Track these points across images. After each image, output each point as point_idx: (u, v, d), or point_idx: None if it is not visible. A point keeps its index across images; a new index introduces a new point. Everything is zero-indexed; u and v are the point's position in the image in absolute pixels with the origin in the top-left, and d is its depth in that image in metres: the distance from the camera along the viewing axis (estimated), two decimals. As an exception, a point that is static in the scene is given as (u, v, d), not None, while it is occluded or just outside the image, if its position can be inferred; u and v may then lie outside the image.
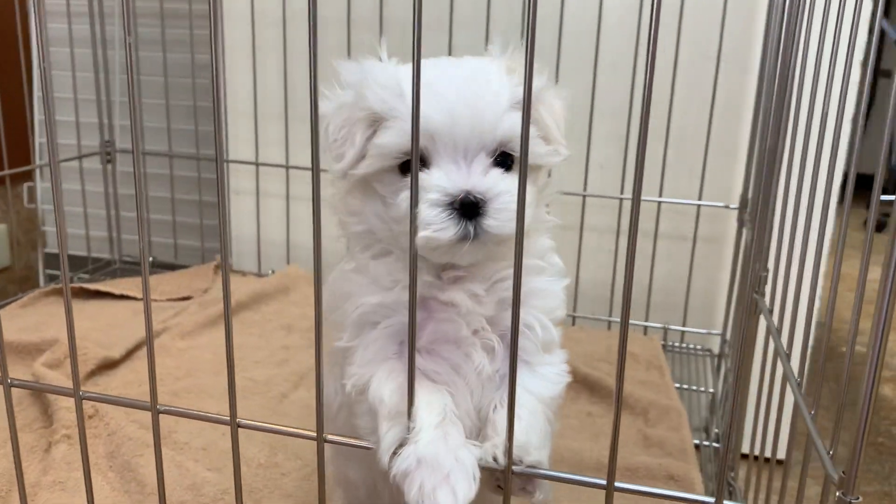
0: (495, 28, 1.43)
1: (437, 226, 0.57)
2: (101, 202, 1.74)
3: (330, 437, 0.55)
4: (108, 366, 1.20)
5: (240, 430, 1.05)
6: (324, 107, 0.64)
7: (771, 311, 0.85)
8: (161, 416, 1.06)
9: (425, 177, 0.58)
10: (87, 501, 0.66)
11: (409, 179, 0.56)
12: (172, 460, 0.93)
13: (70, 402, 1.02)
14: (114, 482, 0.93)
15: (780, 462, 1.02)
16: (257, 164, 1.61)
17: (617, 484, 0.53)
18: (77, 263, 1.68)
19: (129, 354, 1.25)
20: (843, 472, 0.49)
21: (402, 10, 1.48)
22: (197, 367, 1.22)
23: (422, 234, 0.57)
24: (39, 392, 1.08)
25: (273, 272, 1.64)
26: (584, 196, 1.44)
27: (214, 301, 1.46)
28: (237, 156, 1.63)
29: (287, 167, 1.59)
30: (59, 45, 1.70)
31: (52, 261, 1.88)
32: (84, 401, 1.02)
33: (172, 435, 1.04)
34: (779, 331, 0.78)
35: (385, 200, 0.62)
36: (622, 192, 1.42)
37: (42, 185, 1.86)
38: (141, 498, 0.89)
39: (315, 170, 0.52)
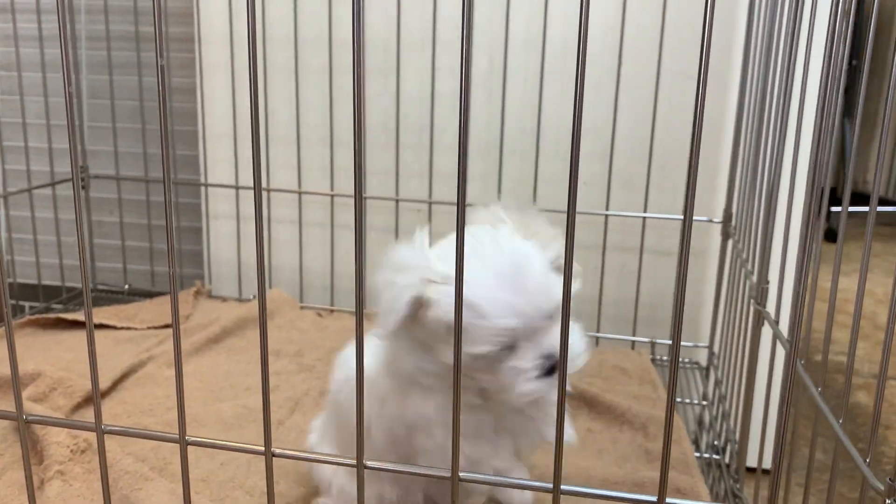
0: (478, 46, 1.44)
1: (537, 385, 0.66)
2: (73, 230, 1.70)
3: (370, 463, 0.54)
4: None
5: (239, 458, 1.02)
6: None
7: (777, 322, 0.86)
8: (156, 447, 1.03)
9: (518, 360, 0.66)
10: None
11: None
12: (173, 493, 0.90)
13: (61, 437, 0.99)
14: (112, 518, 0.89)
15: (765, 471, 1.04)
16: (237, 188, 1.59)
17: (669, 500, 0.53)
18: (50, 293, 1.63)
19: (115, 385, 1.21)
20: (890, 480, 0.49)
21: (385, 31, 1.48)
22: (186, 396, 1.18)
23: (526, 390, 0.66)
24: (27, 427, 1.03)
25: (255, 297, 1.61)
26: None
27: (198, 328, 1.43)
28: (215, 179, 1.61)
29: (269, 190, 1.57)
30: (30, 70, 1.66)
31: (18, 292, 1.82)
32: (77, 434, 0.99)
33: (169, 467, 1.01)
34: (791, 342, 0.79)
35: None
36: (608, 209, 1.44)
37: (7, 213, 1.81)
38: (143, 534, 0.86)
39: (358, 195, 0.51)
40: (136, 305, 1.54)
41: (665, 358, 1.46)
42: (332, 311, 1.59)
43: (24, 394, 1.09)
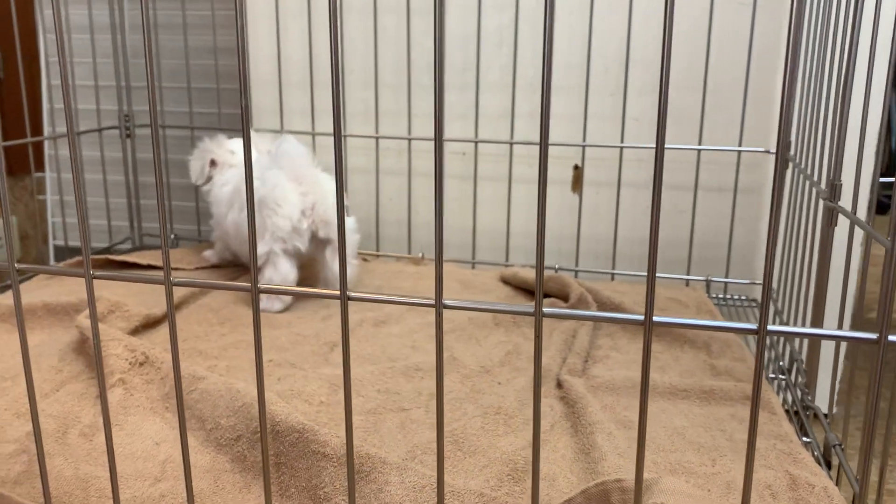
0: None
1: None
2: (119, 191, 1.71)
3: (448, 302, 0.52)
4: (150, 324, 1.16)
5: (296, 373, 1.01)
6: None
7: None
8: (213, 364, 1.02)
9: None
10: (179, 411, 0.61)
11: None
12: (224, 384, 0.89)
13: (119, 350, 0.98)
14: (172, 422, 0.88)
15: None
16: (282, 132, 1.58)
17: (771, 327, 0.50)
18: (95, 251, 1.64)
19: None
20: None
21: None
22: (239, 324, 1.18)
23: None
24: (84, 345, 1.03)
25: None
26: (622, 148, 1.43)
27: (245, 266, 1.43)
28: (260, 126, 1.61)
29: (313, 134, 1.56)
30: (78, 33, 1.68)
31: (60, 254, 1.85)
32: (135, 348, 0.98)
33: (216, 367, 1.01)
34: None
35: None
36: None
37: (50, 175, 1.83)
38: (203, 434, 0.85)
39: (439, 135, 0.49)
40: (181, 251, 1.54)
41: (721, 296, 1.42)
42: (377, 255, 1.57)
43: (82, 314, 1.09)
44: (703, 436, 0.86)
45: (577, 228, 1.47)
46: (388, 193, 1.58)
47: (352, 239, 1.34)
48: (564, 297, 1.25)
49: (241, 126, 0.54)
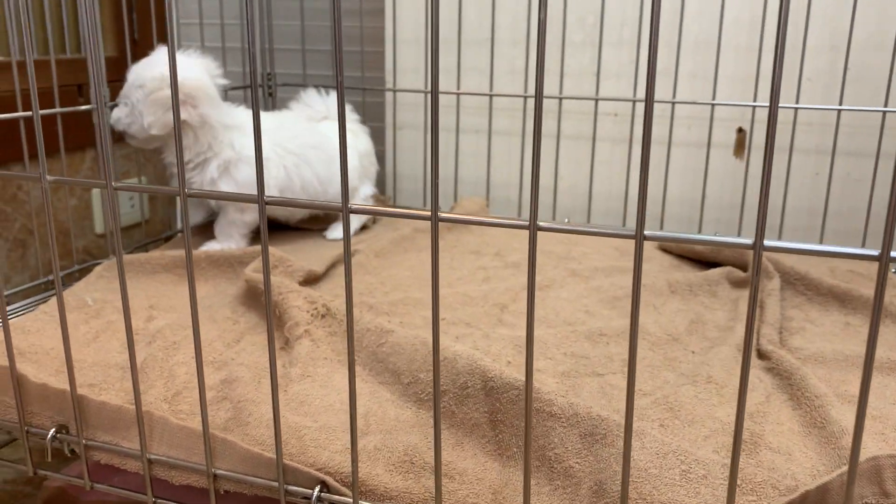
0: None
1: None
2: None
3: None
4: (311, 280, 1.14)
5: (474, 332, 0.97)
6: None
7: None
8: (392, 306, 0.99)
9: None
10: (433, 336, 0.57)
11: None
12: (416, 338, 0.85)
13: (300, 301, 0.96)
14: (362, 374, 0.86)
15: None
16: (426, 92, 1.54)
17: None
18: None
19: (328, 272, 1.19)
20: None
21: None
22: (400, 283, 1.15)
23: None
24: (259, 298, 1.02)
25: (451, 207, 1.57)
26: (796, 109, 1.33)
27: (388, 230, 1.40)
28: (403, 85, 1.57)
29: (458, 94, 1.51)
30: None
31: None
32: (315, 300, 0.96)
33: (391, 322, 0.98)
34: None
35: None
36: (841, 104, 1.31)
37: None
38: (400, 388, 0.82)
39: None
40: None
41: (898, 272, 1.32)
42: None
43: (249, 267, 1.08)
44: (942, 415, 0.78)
45: (742, 196, 1.38)
46: (531, 157, 1.52)
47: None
48: (743, 266, 1.18)
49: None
